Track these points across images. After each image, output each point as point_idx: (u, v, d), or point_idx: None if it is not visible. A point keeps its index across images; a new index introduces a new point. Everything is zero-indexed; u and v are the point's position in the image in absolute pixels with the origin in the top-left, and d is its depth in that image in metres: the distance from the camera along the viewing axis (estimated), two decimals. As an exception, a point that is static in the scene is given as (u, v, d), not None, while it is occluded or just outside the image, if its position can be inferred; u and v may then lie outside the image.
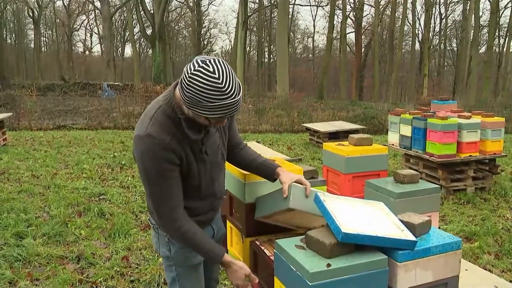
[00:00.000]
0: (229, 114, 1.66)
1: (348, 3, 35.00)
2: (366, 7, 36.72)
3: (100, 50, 45.65)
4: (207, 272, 2.18)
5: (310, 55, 49.74)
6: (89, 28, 49.26)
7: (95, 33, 47.84)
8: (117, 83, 24.10)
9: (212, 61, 1.61)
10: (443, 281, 1.75)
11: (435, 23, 39.44)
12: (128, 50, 53.84)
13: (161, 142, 1.73)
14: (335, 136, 10.70)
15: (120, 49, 46.84)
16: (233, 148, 2.12)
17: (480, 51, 30.36)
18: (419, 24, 38.49)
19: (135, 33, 37.51)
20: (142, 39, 42.36)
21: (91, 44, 51.70)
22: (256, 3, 37.20)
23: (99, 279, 3.54)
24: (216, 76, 1.58)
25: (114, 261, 3.83)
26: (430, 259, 1.69)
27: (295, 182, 2.02)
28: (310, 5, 41.88)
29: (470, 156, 6.26)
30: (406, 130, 6.75)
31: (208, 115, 1.65)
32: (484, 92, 26.04)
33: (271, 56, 45.35)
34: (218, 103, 1.60)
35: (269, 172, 2.09)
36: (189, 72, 1.60)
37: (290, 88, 23.40)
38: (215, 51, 52.79)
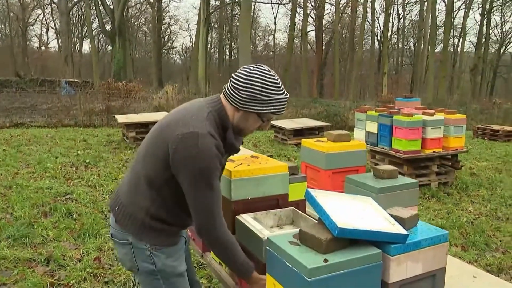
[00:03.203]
0: (281, 111, 1.82)
1: (309, 1, 35.37)
2: (327, 6, 37.22)
3: (57, 46, 44.27)
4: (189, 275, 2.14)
5: (271, 53, 49.92)
6: (45, 23, 47.62)
7: (52, 28, 46.23)
8: (75, 80, 23.39)
9: (263, 65, 1.82)
10: (431, 273, 1.79)
11: (393, 22, 40.44)
12: (86, 46, 52.41)
13: (218, 144, 1.75)
14: (300, 133, 10.80)
15: (77, 45, 45.56)
16: None
17: (436, 51, 31.34)
18: (378, 23, 39.41)
19: (93, 29, 36.58)
20: (100, 35, 41.36)
21: (47, 39, 49.73)
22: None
23: (71, 282, 3.43)
24: (272, 74, 1.78)
25: (85, 262, 3.73)
26: (420, 252, 1.73)
27: None
28: (272, 3, 41.96)
29: (434, 152, 6.47)
30: (372, 127, 6.88)
31: (264, 110, 1.77)
32: (440, 91, 26.96)
33: (233, 53, 45.25)
34: (275, 97, 1.77)
35: None
36: (245, 74, 1.76)
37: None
38: (175, 47, 52.22)
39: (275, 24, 53.08)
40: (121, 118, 9.64)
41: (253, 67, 1.78)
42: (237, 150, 1.91)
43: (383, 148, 6.65)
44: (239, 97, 1.75)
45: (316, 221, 2.00)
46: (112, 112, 13.12)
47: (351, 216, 1.73)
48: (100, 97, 14.17)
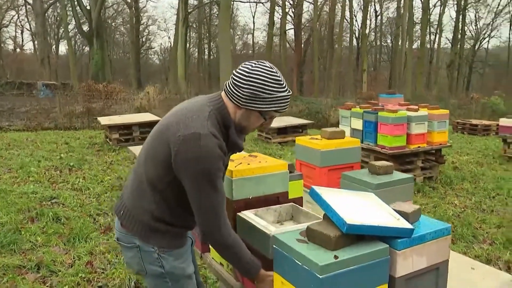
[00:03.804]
0: (283, 108, 1.77)
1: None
2: (305, 4, 37.36)
3: (33, 48, 43.30)
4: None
5: (250, 51, 49.87)
6: (19, 24, 46.59)
7: (27, 29, 45.24)
8: (53, 82, 23.00)
9: (265, 61, 1.78)
10: (435, 266, 1.81)
11: (370, 20, 40.83)
12: (63, 48, 51.58)
13: (221, 143, 1.71)
14: (283, 131, 10.82)
15: (54, 46, 44.76)
16: None
17: (413, 47, 31.77)
18: (356, 20, 39.75)
19: (70, 30, 35.97)
20: (77, 36, 40.73)
21: (22, 41, 48.62)
22: (196, -1, 36.84)
23: (64, 287, 3.37)
24: (274, 71, 1.75)
25: (77, 267, 3.67)
26: (424, 246, 1.75)
27: None
28: (250, 2, 41.97)
29: (419, 147, 6.56)
30: (357, 124, 6.93)
31: (265, 109, 1.74)
32: (418, 87, 27.36)
33: (211, 52, 45.09)
34: (277, 95, 1.73)
35: None
36: (246, 71, 1.73)
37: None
38: (153, 48, 51.81)
39: (253, 23, 53.24)
40: (104, 120, 9.52)
41: (255, 63, 1.75)
42: (241, 148, 1.88)
43: (369, 145, 6.70)
44: (240, 95, 1.72)
45: (320, 217, 2.01)
46: (93, 114, 12.97)
47: (357, 212, 1.74)
48: (80, 99, 13.99)
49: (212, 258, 2.44)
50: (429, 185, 6.56)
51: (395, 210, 1.83)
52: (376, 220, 1.69)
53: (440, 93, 26.98)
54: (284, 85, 1.75)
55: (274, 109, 1.75)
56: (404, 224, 1.71)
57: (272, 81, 1.72)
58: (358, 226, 1.60)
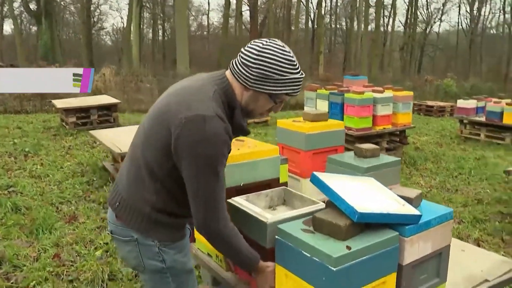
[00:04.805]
0: (295, 92, 1.62)
1: (244, -20, 34.93)
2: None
3: (-26, 27, 40.74)
4: None
5: (205, 33, 49.05)
6: (-43, 1, 43.68)
7: (-34, 7, 42.52)
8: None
9: (277, 39, 1.62)
10: (438, 251, 1.78)
11: (326, 2, 40.95)
12: (8, 27, 48.92)
13: (227, 127, 1.56)
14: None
15: (-3, 25, 42.31)
16: None
17: (368, 30, 32.17)
18: (311, 3, 39.83)
19: (15, 8, 34.04)
20: (24, 15, 38.65)
21: (-39, 20, 45.69)
22: (150, -22, 35.71)
23: (31, 283, 3.14)
24: (287, 50, 1.59)
25: (44, 261, 3.44)
26: (430, 231, 1.70)
27: None
28: (205, -18, 41.18)
29: (384, 128, 6.62)
30: (323, 105, 6.92)
31: (276, 91, 1.59)
32: (373, 69, 27.80)
33: (165, 34, 44.01)
34: (289, 77, 1.59)
35: None
36: (256, 49, 1.57)
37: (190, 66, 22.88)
38: (105, 28, 50.04)
39: (208, 3, 52.14)
40: (60, 103, 9.05)
41: (266, 41, 1.59)
42: (246, 132, 1.74)
43: (335, 126, 6.70)
44: (249, 75, 1.57)
45: (316, 200, 1.93)
46: (46, 97, 12.33)
47: (363, 198, 1.67)
48: (31, 81, 13.24)
49: (198, 248, 2.32)
50: (394, 166, 6.65)
51: (397, 195, 1.77)
52: (384, 207, 1.62)
53: (394, 75, 27.54)
54: (297, 66, 1.60)
55: (285, 92, 1.60)
56: (411, 210, 1.65)
57: (284, 61, 1.57)
58: (368, 214, 1.53)
